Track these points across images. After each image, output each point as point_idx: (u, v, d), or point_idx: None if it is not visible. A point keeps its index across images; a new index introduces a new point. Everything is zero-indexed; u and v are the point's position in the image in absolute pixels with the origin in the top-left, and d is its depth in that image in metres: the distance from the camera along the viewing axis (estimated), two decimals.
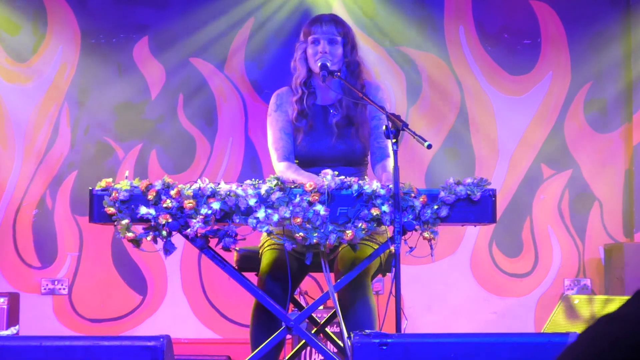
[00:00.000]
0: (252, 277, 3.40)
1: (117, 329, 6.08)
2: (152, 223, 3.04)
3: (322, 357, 5.04)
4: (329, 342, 3.87)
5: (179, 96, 6.22)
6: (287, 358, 3.66)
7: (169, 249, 3.09)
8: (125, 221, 3.05)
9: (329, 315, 3.68)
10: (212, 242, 3.13)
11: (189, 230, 3.04)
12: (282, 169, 3.45)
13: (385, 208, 3.03)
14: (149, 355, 2.85)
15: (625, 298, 4.41)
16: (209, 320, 6.15)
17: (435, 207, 3.08)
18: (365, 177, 3.55)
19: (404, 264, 3.28)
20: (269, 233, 3.21)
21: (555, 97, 6.27)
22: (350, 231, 3.03)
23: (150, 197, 3.05)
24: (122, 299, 6.14)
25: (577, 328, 4.41)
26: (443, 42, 6.28)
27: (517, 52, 6.29)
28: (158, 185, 3.07)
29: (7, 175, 6.13)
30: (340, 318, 3.17)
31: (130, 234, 3.06)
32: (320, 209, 3.01)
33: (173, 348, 3.02)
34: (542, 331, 5.27)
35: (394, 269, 3.05)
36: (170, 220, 3.04)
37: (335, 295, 3.18)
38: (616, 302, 4.36)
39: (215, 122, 6.24)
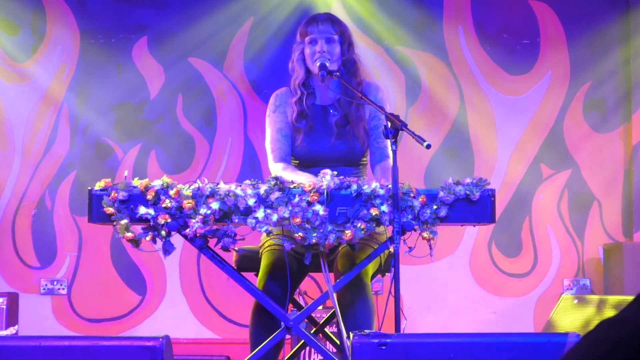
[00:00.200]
0: (251, 277, 3.40)
1: (116, 329, 6.07)
2: (151, 223, 3.04)
3: (322, 357, 5.04)
4: (328, 342, 3.87)
5: (178, 96, 6.23)
6: (286, 358, 3.67)
7: (168, 249, 3.08)
8: (124, 221, 3.05)
9: (328, 315, 3.68)
10: (211, 242, 3.13)
11: (188, 230, 3.04)
12: (278, 169, 3.45)
13: (384, 208, 3.03)
14: (148, 355, 2.85)
15: (625, 298, 4.39)
16: (208, 321, 6.15)
17: (435, 207, 3.08)
18: (364, 177, 3.56)
19: (403, 264, 3.27)
20: (268, 233, 3.21)
21: (555, 97, 6.27)
22: (349, 231, 3.02)
23: (149, 197, 3.05)
24: (121, 299, 6.14)
25: (577, 328, 4.41)
26: (442, 42, 6.28)
27: (516, 52, 6.30)
28: (157, 185, 3.07)
29: (6, 176, 6.13)
30: (339, 318, 3.17)
31: (129, 234, 3.06)
32: (320, 209, 3.01)
33: (172, 348, 3.02)
34: (541, 331, 5.27)
35: (393, 269, 3.05)
36: (169, 220, 3.03)
37: (335, 295, 3.17)
38: (615, 302, 4.36)
39: (214, 122, 6.24)
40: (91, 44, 6.19)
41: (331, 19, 3.60)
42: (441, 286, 6.18)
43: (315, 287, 5.82)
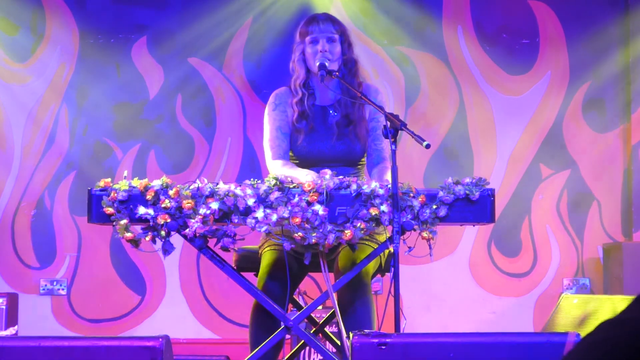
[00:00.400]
0: (250, 277, 3.40)
1: (115, 329, 6.07)
2: (151, 223, 3.04)
3: (321, 357, 5.04)
4: (327, 342, 3.87)
5: (178, 96, 6.22)
6: (286, 358, 3.66)
7: (167, 249, 3.08)
8: (123, 221, 3.05)
9: (328, 315, 3.68)
10: (211, 242, 3.13)
11: (187, 230, 3.04)
12: (277, 166, 3.45)
13: (384, 208, 3.03)
14: (148, 355, 2.85)
15: (624, 297, 4.40)
16: (208, 321, 6.15)
17: (434, 206, 3.08)
18: (363, 177, 3.56)
19: (402, 263, 3.28)
20: (268, 233, 3.21)
21: (554, 97, 6.27)
22: (349, 231, 3.02)
23: (148, 197, 3.05)
24: (120, 299, 6.14)
25: (576, 328, 4.41)
26: (441, 42, 6.28)
27: (516, 52, 6.30)
28: (157, 185, 3.07)
29: (5, 176, 6.13)
30: (339, 318, 3.17)
31: (128, 234, 3.06)
32: (319, 208, 3.01)
33: (172, 348, 3.02)
34: (540, 331, 5.27)
35: (392, 268, 3.05)
36: (168, 220, 3.03)
37: (334, 295, 3.17)
38: (615, 302, 4.36)
39: (213, 122, 6.24)
40: (90, 44, 6.19)
41: (331, 19, 3.61)
42: (441, 286, 6.18)
43: (314, 287, 5.82)
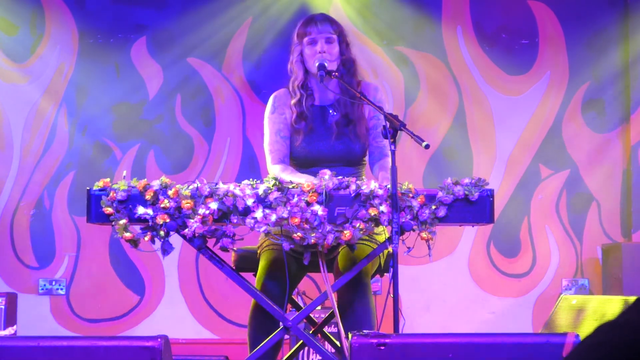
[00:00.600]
0: (249, 277, 3.40)
1: (114, 330, 6.07)
2: (150, 223, 3.04)
3: (320, 358, 5.04)
4: (326, 343, 3.87)
5: (177, 96, 6.22)
6: (285, 358, 3.66)
7: (166, 249, 3.08)
8: (123, 221, 3.05)
9: (327, 315, 3.68)
10: (210, 242, 3.12)
11: (186, 230, 3.04)
12: (276, 171, 3.45)
13: (383, 208, 3.02)
14: (147, 355, 2.85)
15: (624, 298, 4.38)
16: (207, 321, 6.15)
17: (433, 207, 3.08)
18: (363, 177, 3.56)
19: (402, 264, 3.28)
20: (267, 233, 3.20)
21: (553, 97, 6.27)
22: (348, 231, 3.02)
23: (148, 197, 3.04)
24: (119, 299, 6.14)
25: (576, 328, 4.41)
26: (441, 42, 6.28)
27: (515, 52, 6.30)
28: (156, 185, 3.07)
29: (5, 176, 6.12)
30: (338, 318, 3.17)
31: (128, 234, 3.06)
32: (318, 209, 3.01)
33: (171, 348, 3.01)
34: (540, 331, 5.27)
35: (392, 269, 3.05)
36: (168, 220, 3.03)
37: (334, 295, 3.17)
38: (614, 302, 4.36)
39: (213, 122, 6.24)
40: (90, 44, 6.19)
41: (328, 19, 3.61)
42: (440, 286, 6.18)
43: (313, 287, 5.82)
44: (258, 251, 3.49)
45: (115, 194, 3.05)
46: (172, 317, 6.11)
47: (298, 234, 3.01)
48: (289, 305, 3.47)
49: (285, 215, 3.00)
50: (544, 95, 6.27)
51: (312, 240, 3.00)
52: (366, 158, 3.60)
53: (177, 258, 6.14)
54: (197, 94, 6.23)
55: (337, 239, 3.03)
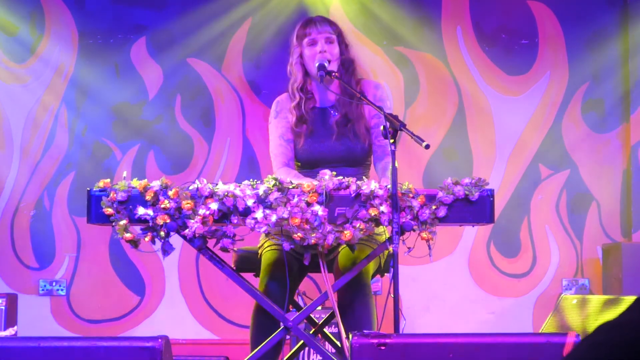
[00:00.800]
0: (250, 277, 3.40)
1: (115, 330, 6.07)
2: (150, 224, 3.04)
3: (321, 358, 5.04)
4: (327, 343, 3.87)
5: (177, 97, 6.23)
6: (285, 358, 3.66)
7: (167, 249, 3.08)
8: (123, 222, 3.05)
9: (327, 315, 3.68)
10: (210, 243, 3.12)
11: (187, 230, 3.04)
12: (281, 175, 3.46)
13: (383, 208, 3.02)
14: (147, 356, 2.85)
15: (623, 298, 4.38)
16: (207, 321, 6.15)
17: (433, 207, 3.08)
18: (364, 177, 3.56)
19: (402, 264, 3.27)
20: (267, 233, 3.20)
21: (553, 97, 6.27)
22: (348, 231, 3.02)
23: (148, 197, 3.04)
24: (120, 300, 6.14)
25: (576, 328, 4.41)
26: (440, 42, 6.28)
27: (515, 52, 6.30)
28: (156, 185, 3.07)
29: (4, 176, 6.12)
30: (338, 318, 3.17)
31: (128, 235, 3.06)
32: (319, 209, 3.01)
33: (171, 349, 3.02)
34: (540, 331, 5.27)
35: (392, 269, 3.05)
36: (168, 220, 3.03)
37: (334, 295, 3.17)
38: (614, 302, 4.36)
39: (212, 122, 6.24)
40: (90, 45, 6.19)
41: (327, 20, 3.62)
42: (440, 286, 6.18)
43: (314, 287, 5.83)
44: (258, 252, 3.49)
45: (115, 195, 3.05)
46: (172, 318, 6.11)
47: (298, 234, 3.01)
48: (289, 306, 3.47)
49: (285, 215, 3.00)
50: (543, 95, 6.27)
51: (313, 241, 3.00)
52: (370, 158, 3.61)
53: (177, 258, 6.14)
54: (197, 94, 6.23)
55: (338, 239, 3.03)
